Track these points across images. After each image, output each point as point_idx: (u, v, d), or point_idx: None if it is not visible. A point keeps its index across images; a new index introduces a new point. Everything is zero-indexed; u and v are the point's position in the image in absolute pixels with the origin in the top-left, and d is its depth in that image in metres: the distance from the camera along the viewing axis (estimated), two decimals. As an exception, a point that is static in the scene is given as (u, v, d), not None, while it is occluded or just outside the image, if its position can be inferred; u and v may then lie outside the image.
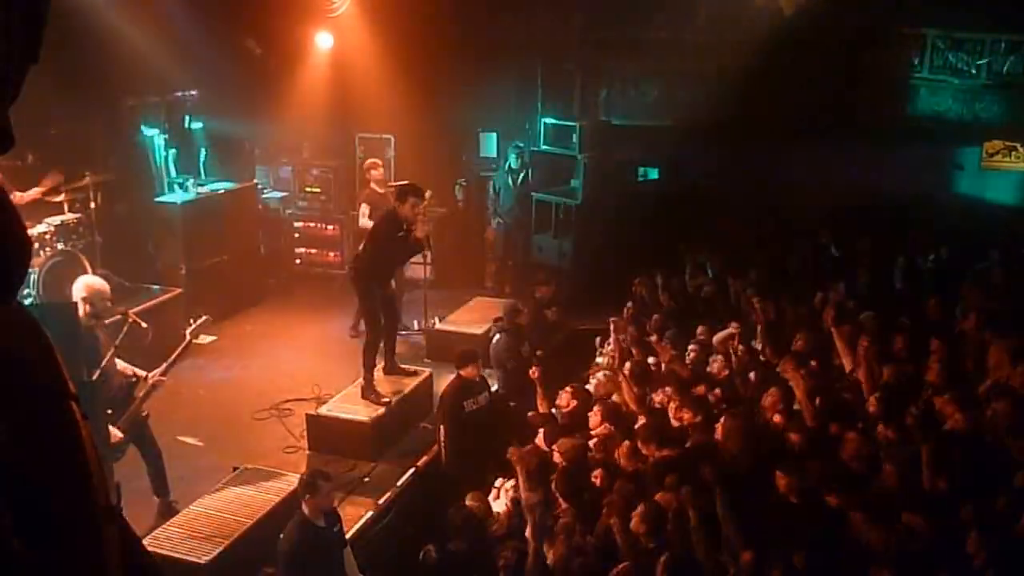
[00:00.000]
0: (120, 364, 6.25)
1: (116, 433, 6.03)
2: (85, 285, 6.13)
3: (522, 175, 11.33)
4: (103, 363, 5.94)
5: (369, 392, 7.72)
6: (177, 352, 6.26)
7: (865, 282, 9.16)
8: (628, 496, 5.52)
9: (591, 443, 6.47)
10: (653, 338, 8.09)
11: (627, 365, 7.37)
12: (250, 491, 6.34)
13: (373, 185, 10.23)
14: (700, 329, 8.18)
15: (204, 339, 9.40)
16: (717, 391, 6.95)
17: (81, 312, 5.94)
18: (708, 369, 7.49)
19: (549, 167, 11.45)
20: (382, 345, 7.99)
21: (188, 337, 6.27)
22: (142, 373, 6.30)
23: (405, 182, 8.10)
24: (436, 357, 9.17)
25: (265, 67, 11.12)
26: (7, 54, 1.26)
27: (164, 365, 6.23)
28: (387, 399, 7.73)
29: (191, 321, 6.37)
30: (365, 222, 9.65)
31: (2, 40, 1.25)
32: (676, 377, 7.15)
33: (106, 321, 6.25)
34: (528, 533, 5.44)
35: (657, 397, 7.03)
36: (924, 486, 5.42)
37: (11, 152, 1.40)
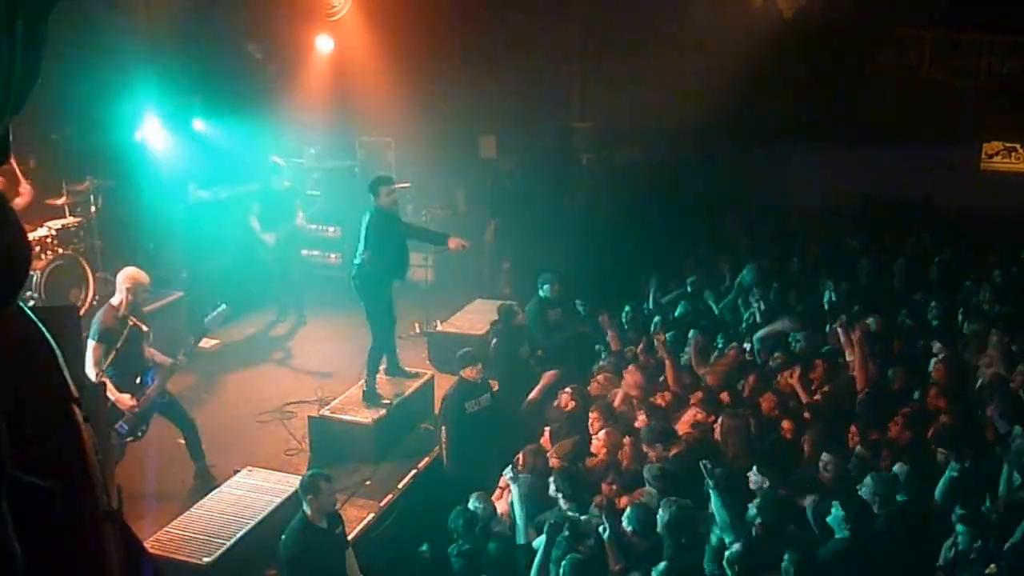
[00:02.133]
0: (148, 349, 6.58)
1: (126, 400, 6.27)
2: (128, 276, 6.39)
3: (521, 175, 11.34)
4: (104, 365, 6.11)
5: (371, 396, 7.74)
6: (196, 339, 6.91)
7: (866, 283, 9.15)
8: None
9: (595, 447, 6.45)
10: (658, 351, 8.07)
11: (631, 367, 7.38)
12: (252, 493, 6.34)
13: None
14: (691, 332, 8.18)
15: (206, 342, 9.48)
16: (724, 395, 6.94)
17: (119, 302, 6.32)
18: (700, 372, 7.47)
19: (549, 167, 11.45)
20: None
21: (205, 324, 6.81)
22: (168, 360, 6.62)
23: (372, 179, 7.96)
24: (437, 359, 9.18)
25: (266, 71, 11.13)
26: (9, 72, 1.27)
27: (183, 350, 6.70)
28: (388, 401, 7.74)
29: (210, 310, 6.86)
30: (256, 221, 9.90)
31: (4, 58, 1.25)
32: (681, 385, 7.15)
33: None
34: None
35: (658, 400, 7.03)
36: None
37: (13, 155, 1.40)
